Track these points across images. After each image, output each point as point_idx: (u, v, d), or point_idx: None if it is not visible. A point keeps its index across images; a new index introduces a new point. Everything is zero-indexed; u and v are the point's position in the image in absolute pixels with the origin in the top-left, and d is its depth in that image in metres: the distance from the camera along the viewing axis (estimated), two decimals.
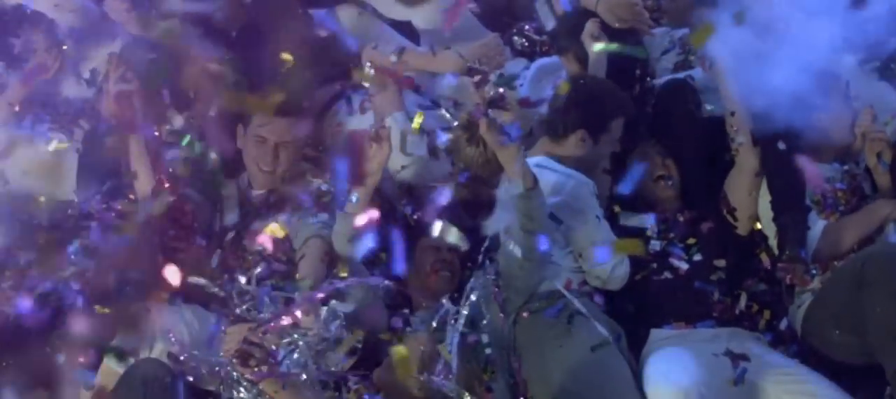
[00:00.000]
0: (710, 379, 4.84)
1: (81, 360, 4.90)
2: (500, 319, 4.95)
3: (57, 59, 5.79)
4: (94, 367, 4.93)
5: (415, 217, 5.26)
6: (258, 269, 5.01)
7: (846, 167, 5.30)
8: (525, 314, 4.95)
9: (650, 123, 5.44)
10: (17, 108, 5.68)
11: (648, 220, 5.18)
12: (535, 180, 4.76)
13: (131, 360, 4.87)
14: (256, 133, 5.29)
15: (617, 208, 5.22)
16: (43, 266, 5.02)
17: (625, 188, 5.11)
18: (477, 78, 5.39)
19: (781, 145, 5.08)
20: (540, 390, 4.87)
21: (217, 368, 4.60)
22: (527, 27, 5.83)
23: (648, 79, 5.54)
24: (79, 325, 4.85)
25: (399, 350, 4.60)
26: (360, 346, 4.51)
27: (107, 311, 4.87)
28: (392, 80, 5.40)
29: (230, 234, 5.17)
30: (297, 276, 4.98)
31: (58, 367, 4.91)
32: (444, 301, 4.85)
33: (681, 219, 5.25)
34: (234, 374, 4.46)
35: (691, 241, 5.20)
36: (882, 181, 5.24)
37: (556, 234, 4.97)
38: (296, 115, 5.27)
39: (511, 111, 4.88)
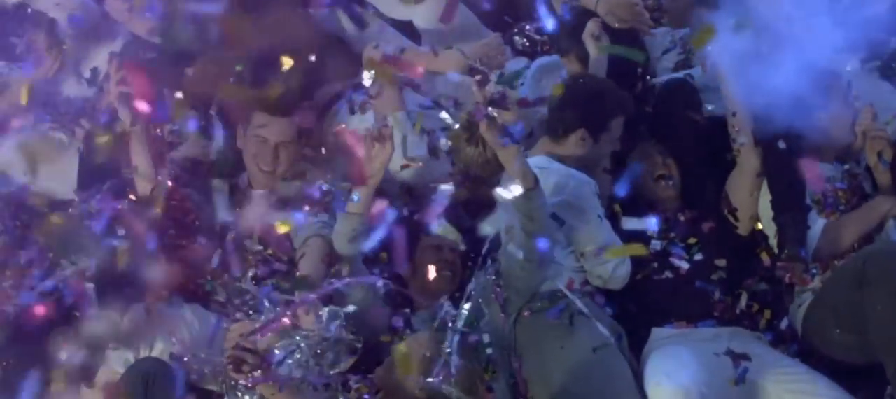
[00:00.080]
0: (710, 378, 4.84)
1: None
2: (500, 319, 4.96)
3: (57, 58, 5.80)
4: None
5: (415, 218, 5.26)
6: (258, 270, 5.03)
7: (847, 166, 5.30)
8: (527, 313, 4.94)
9: (650, 123, 5.44)
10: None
11: (651, 224, 5.17)
12: (536, 180, 4.75)
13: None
14: (256, 133, 5.30)
15: (617, 208, 5.21)
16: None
17: (621, 190, 5.11)
18: (478, 77, 5.38)
19: (781, 144, 5.08)
20: (540, 390, 4.86)
21: (218, 368, 4.60)
22: (528, 27, 5.83)
23: (648, 77, 5.54)
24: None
25: (400, 348, 4.61)
26: (359, 346, 4.50)
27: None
28: (396, 74, 5.40)
29: (231, 234, 5.18)
30: (298, 274, 4.98)
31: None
32: (444, 301, 4.84)
33: (681, 218, 5.25)
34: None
35: (692, 240, 5.20)
36: (883, 180, 5.24)
37: (558, 234, 4.97)
38: (295, 114, 5.27)
39: (512, 111, 4.88)
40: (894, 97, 5.48)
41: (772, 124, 4.99)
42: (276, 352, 4.40)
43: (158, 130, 5.41)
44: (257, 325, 4.36)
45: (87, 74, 5.83)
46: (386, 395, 4.65)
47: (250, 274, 5.06)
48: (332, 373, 4.45)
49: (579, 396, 4.83)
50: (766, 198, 5.18)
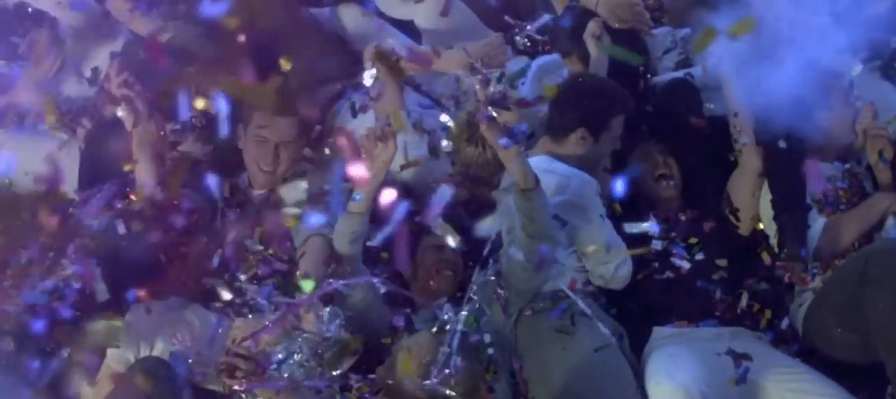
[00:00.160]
0: (711, 378, 4.84)
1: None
2: (501, 319, 4.96)
3: (57, 57, 5.80)
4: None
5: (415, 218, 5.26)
6: (258, 270, 5.03)
7: (847, 166, 5.30)
8: (528, 313, 4.94)
9: (651, 122, 5.44)
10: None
11: (653, 228, 5.16)
12: (537, 180, 4.75)
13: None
14: (257, 133, 5.29)
15: (617, 207, 5.21)
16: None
17: (619, 193, 5.10)
18: (479, 77, 5.38)
19: (782, 144, 5.08)
20: (541, 391, 4.86)
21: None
22: (528, 26, 5.82)
23: (649, 77, 5.54)
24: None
25: (401, 349, 4.62)
26: (360, 347, 4.51)
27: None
28: (398, 70, 5.40)
29: (231, 234, 5.18)
30: (298, 273, 4.98)
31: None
32: (443, 301, 4.85)
33: (682, 218, 5.25)
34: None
35: (693, 240, 5.20)
36: (883, 179, 5.24)
37: (560, 234, 4.97)
38: (295, 113, 5.27)
39: (513, 112, 4.87)
40: (895, 96, 5.48)
41: (773, 124, 4.99)
42: (278, 353, 4.41)
43: (161, 131, 5.40)
44: (259, 326, 4.37)
45: (87, 74, 5.84)
46: (387, 395, 4.65)
47: (250, 274, 5.06)
48: (333, 374, 4.45)
49: (580, 396, 4.82)
50: (766, 198, 5.18)
